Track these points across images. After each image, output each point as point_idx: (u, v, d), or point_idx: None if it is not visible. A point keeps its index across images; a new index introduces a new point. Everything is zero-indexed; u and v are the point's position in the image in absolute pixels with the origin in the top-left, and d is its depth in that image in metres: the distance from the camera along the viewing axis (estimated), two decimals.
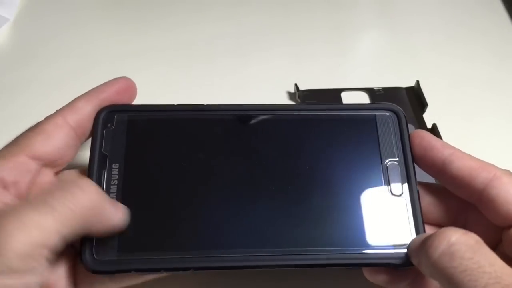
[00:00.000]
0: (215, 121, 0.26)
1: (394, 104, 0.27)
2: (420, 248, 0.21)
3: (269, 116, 0.27)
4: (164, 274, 0.24)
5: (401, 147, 0.26)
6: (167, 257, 0.23)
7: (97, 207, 0.21)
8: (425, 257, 0.20)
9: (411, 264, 0.23)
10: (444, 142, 0.25)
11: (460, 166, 0.24)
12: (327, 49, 0.46)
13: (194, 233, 0.24)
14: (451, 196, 0.25)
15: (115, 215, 0.22)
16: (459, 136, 0.38)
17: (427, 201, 0.26)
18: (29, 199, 0.19)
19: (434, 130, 0.37)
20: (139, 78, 0.45)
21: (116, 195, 0.24)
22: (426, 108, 0.39)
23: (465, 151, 0.25)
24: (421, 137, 0.25)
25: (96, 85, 0.26)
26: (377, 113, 0.27)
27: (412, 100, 0.40)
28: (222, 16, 0.48)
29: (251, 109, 0.27)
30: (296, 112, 0.27)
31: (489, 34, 0.48)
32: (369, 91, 0.41)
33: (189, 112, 0.27)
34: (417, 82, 0.40)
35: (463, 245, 0.19)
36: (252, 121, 0.26)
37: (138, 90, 0.42)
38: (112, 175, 0.24)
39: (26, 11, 0.47)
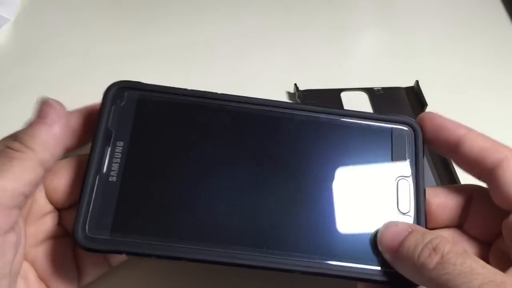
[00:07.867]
0: (228, 112, 0.26)
1: (412, 119, 0.26)
2: (408, 258, 0.21)
3: (283, 114, 0.26)
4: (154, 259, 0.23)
5: (414, 164, 0.25)
6: (161, 244, 0.22)
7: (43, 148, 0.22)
8: (419, 271, 0.21)
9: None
10: (457, 122, 0.25)
11: (472, 146, 0.24)
12: (327, 49, 0.46)
13: (191, 223, 0.23)
14: (449, 198, 0.25)
15: (56, 136, 0.23)
16: None
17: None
18: None
19: None
20: (139, 78, 0.45)
21: (117, 173, 0.23)
22: (425, 108, 0.39)
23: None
24: (431, 119, 0.25)
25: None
26: (393, 126, 0.26)
27: (411, 100, 0.40)
28: (222, 16, 0.48)
29: (264, 104, 0.26)
30: (312, 114, 0.26)
31: (489, 34, 0.48)
32: (369, 91, 0.41)
33: (201, 99, 0.26)
34: (417, 82, 0.40)
35: (454, 254, 0.20)
36: (265, 117, 0.26)
37: None
38: (115, 153, 0.24)
39: (27, 11, 0.47)
